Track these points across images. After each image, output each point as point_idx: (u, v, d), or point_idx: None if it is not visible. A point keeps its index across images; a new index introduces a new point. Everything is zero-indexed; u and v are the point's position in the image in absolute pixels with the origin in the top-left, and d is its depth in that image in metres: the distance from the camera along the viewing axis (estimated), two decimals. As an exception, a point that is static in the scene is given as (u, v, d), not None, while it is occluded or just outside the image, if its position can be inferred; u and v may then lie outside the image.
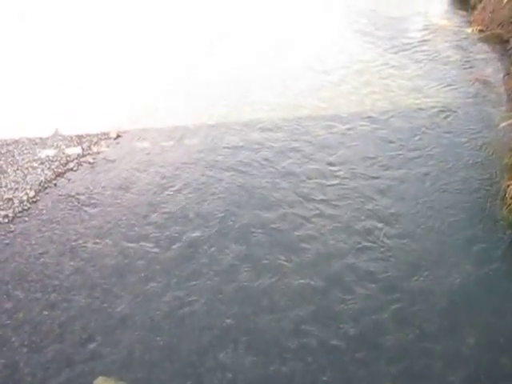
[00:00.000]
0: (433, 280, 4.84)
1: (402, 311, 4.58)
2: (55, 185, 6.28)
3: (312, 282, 4.85)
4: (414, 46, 9.64)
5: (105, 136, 7.18)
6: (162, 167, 6.52)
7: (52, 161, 6.63)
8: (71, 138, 7.07)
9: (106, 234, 5.52)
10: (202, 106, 7.79)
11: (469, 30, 10.28)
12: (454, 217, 5.56)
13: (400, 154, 6.59)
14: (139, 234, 5.50)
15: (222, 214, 5.68)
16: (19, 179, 6.28)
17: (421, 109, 7.57)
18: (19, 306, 4.74)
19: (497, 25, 9.84)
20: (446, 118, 7.34)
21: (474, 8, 11.18)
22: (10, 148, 6.84)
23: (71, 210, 5.87)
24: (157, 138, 7.14)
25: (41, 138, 7.02)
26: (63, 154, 6.77)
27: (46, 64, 8.74)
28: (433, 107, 7.59)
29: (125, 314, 4.64)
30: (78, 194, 6.11)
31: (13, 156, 6.69)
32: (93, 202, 5.98)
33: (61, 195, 6.10)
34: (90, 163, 6.67)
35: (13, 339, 4.44)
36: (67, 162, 6.65)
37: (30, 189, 6.13)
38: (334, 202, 5.80)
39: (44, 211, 5.86)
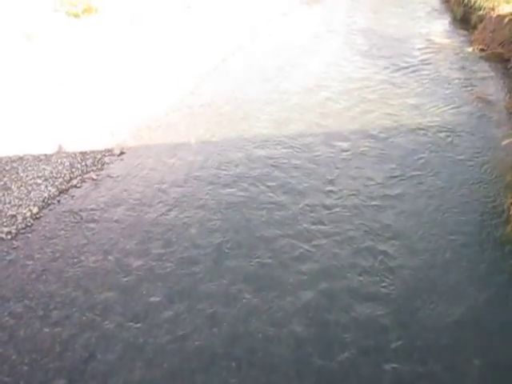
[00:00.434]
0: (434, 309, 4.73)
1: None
2: (58, 201, 6.31)
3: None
4: (415, 65, 9.75)
5: (109, 152, 7.25)
6: (164, 184, 6.56)
7: (56, 177, 6.68)
8: (75, 154, 7.13)
9: (108, 250, 5.51)
10: (204, 123, 7.89)
11: (470, 49, 10.41)
12: (457, 235, 5.52)
13: (401, 173, 6.59)
14: (142, 250, 5.50)
15: (223, 236, 5.68)
16: (23, 196, 6.32)
17: (422, 127, 7.61)
18: (20, 323, 4.72)
19: (498, 44, 9.97)
20: (447, 136, 7.37)
21: (474, 27, 11.36)
22: (15, 165, 6.89)
23: (74, 226, 5.88)
24: (160, 154, 7.20)
25: (45, 155, 7.08)
26: (67, 170, 6.82)
27: (51, 82, 8.85)
28: (434, 126, 7.64)
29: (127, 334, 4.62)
30: (81, 210, 6.13)
31: (17, 173, 6.74)
32: (96, 218, 6.00)
33: (64, 212, 6.12)
34: (93, 179, 6.71)
35: (13, 357, 4.41)
36: (71, 179, 6.69)
37: (34, 205, 6.16)
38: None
39: (47, 228, 5.87)
